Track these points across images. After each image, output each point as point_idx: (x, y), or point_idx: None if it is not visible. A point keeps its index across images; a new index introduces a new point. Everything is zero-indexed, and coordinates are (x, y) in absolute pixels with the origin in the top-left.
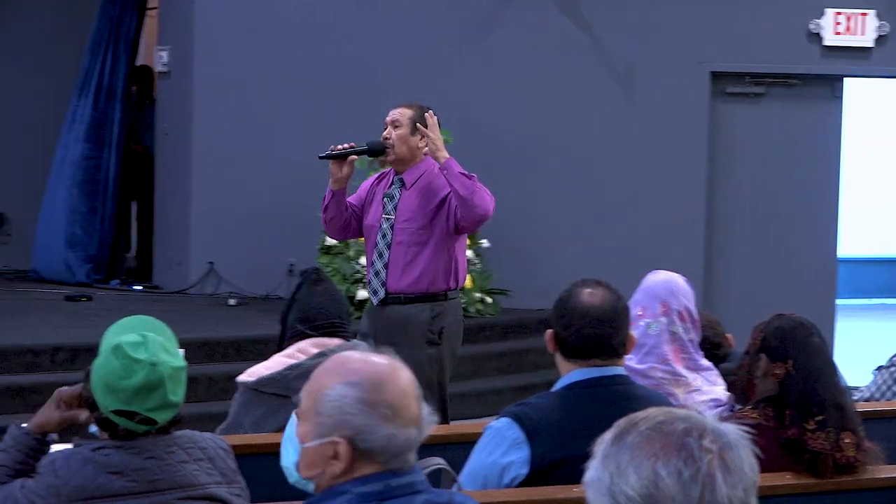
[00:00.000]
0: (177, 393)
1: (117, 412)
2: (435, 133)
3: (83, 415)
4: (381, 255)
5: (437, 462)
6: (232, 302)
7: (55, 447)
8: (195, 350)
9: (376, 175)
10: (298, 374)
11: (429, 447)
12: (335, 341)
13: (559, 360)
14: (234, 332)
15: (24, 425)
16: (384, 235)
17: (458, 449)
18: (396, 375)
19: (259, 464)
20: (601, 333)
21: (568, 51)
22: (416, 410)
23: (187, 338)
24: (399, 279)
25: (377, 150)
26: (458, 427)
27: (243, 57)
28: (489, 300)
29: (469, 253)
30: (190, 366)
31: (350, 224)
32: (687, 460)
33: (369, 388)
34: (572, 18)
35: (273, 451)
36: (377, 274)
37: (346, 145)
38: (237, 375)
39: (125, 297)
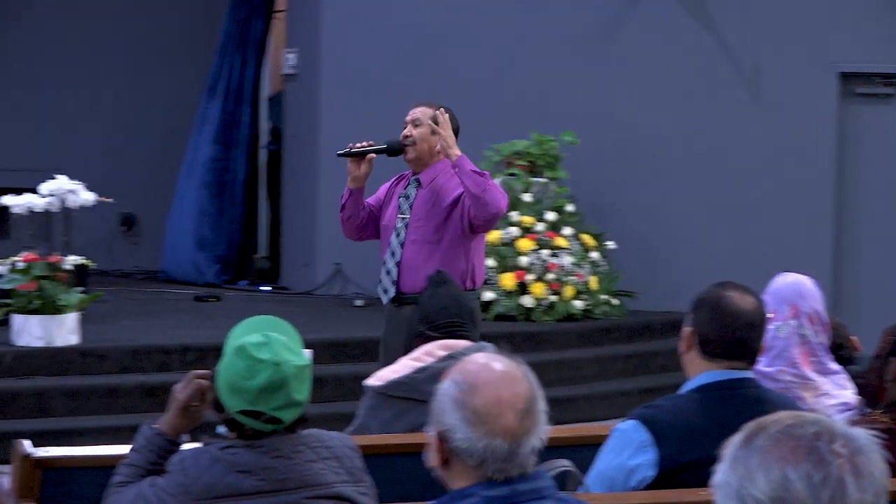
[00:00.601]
0: (301, 392)
1: (243, 412)
2: (447, 131)
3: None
4: (393, 254)
5: (564, 464)
6: (359, 303)
7: (185, 446)
8: (322, 351)
9: (395, 177)
10: (426, 378)
11: (555, 449)
12: (463, 343)
13: (692, 359)
14: (360, 333)
15: (156, 426)
16: (398, 234)
17: (584, 451)
18: (498, 383)
19: (386, 464)
20: (748, 337)
21: (695, 51)
22: (514, 424)
23: (314, 339)
24: (413, 279)
25: (396, 149)
26: (585, 429)
27: (370, 58)
28: (615, 302)
29: (594, 254)
30: (317, 367)
31: (367, 225)
32: (817, 464)
33: (464, 388)
34: (699, 19)
35: (400, 452)
36: (388, 273)
37: (364, 143)
38: (364, 376)
39: (253, 297)
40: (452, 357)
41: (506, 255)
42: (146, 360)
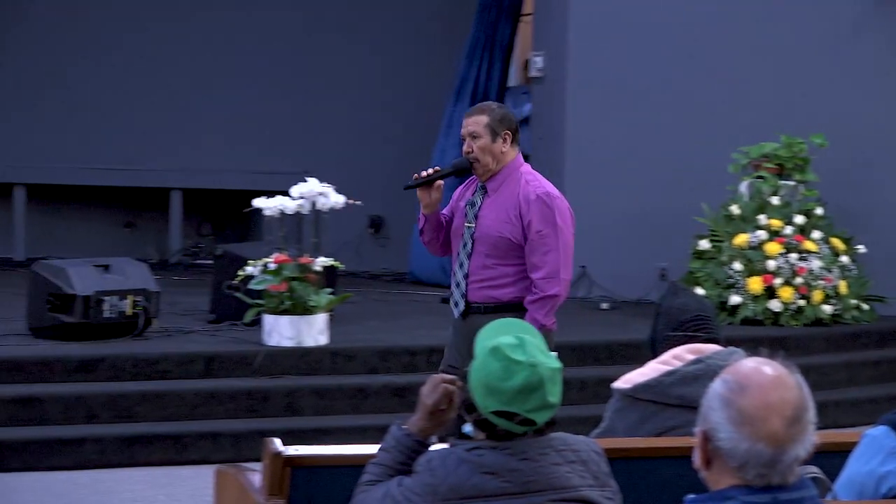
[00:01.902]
0: (554, 394)
1: (497, 413)
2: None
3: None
4: (461, 266)
5: (812, 471)
6: (604, 306)
7: (432, 447)
8: (567, 353)
9: (467, 180)
10: (674, 381)
11: None
12: (712, 348)
13: None
14: (606, 336)
15: (405, 426)
16: (465, 245)
17: (833, 457)
18: (768, 386)
19: (631, 468)
20: None
21: None
22: (779, 429)
23: (559, 341)
24: (479, 290)
25: (463, 168)
26: (834, 435)
27: (617, 59)
28: (865, 307)
29: (844, 258)
30: (562, 368)
31: (449, 240)
32: None
33: (733, 387)
34: None
35: (645, 456)
36: (458, 285)
37: (430, 171)
38: (609, 379)
39: None
40: (701, 361)
41: (753, 259)
42: (393, 360)
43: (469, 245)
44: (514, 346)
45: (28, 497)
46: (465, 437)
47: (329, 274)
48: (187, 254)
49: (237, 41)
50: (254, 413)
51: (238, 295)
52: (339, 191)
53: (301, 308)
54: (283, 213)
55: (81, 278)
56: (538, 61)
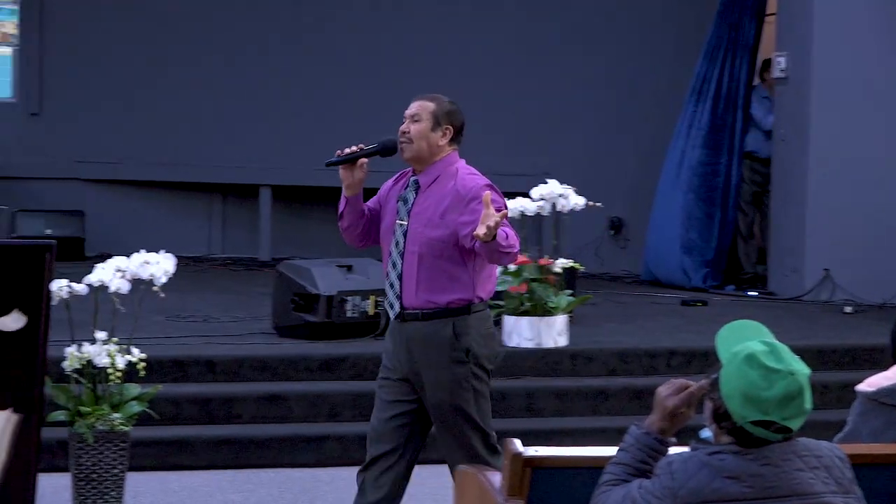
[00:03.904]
0: (810, 400)
1: (755, 422)
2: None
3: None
4: (394, 265)
5: None
6: (848, 310)
7: (673, 450)
8: (809, 357)
9: (397, 174)
10: None
11: None
12: None
13: None
14: (849, 341)
15: (644, 426)
16: (397, 243)
17: None
18: None
19: (875, 474)
20: None
21: None
22: None
23: (801, 345)
24: (415, 293)
25: (391, 150)
26: None
27: (862, 59)
28: None
29: None
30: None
31: (370, 231)
32: None
33: None
34: None
35: (891, 463)
36: (391, 286)
37: (354, 147)
38: (851, 383)
39: (740, 302)
40: None
41: None
42: (633, 363)
43: (402, 243)
44: (767, 353)
45: (273, 491)
46: (704, 441)
47: (569, 275)
48: None
49: (487, 44)
50: (493, 413)
51: None
52: (579, 192)
53: (541, 309)
54: (523, 215)
55: (325, 278)
56: (781, 62)
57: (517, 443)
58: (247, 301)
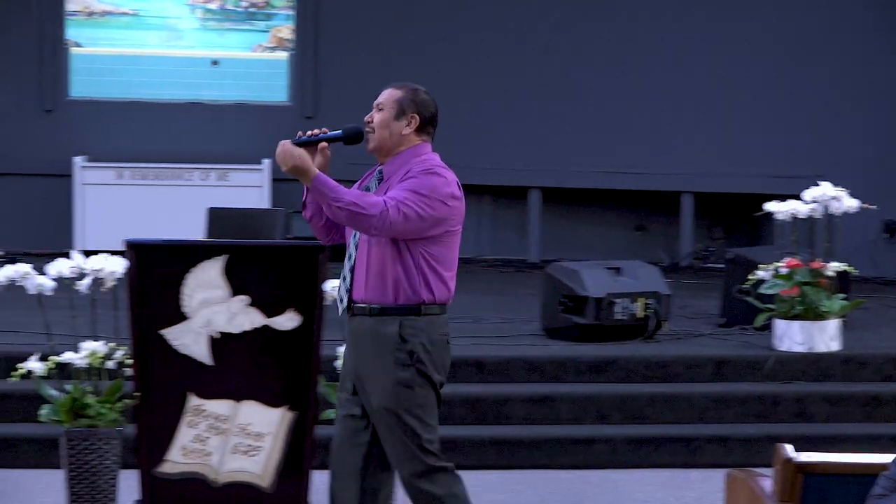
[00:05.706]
0: None
1: None
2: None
3: None
4: (349, 258)
5: None
6: None
7: None
8: None
9: (371, 168)
10: None
11: None
12: None
13: None
14: None
15: None
16: (354, 235)
17: None
18: None
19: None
20: None
21: None
22: None
23: None
24: (364, 287)
25: (355, 136)
26: None
27: None
28: None
29: None
30: None
31: (335, 225)
32: None
33: None
34: None
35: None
36: (343, 279)
37: (317, 131)
38: None
39: None
40: None
41: None
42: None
43: (357, 235)
44: None
45: (541, 492)
46: None
47: (842, 279)
48: (698, 257)
49: (747, 45)
50: (763, 418)
51: (748, 299)
52: (852, 194)
53: (813, 313)
54: (795, 218)
55: (594, 280)
56: None
57: (789, 448)
58: (515, 302)
